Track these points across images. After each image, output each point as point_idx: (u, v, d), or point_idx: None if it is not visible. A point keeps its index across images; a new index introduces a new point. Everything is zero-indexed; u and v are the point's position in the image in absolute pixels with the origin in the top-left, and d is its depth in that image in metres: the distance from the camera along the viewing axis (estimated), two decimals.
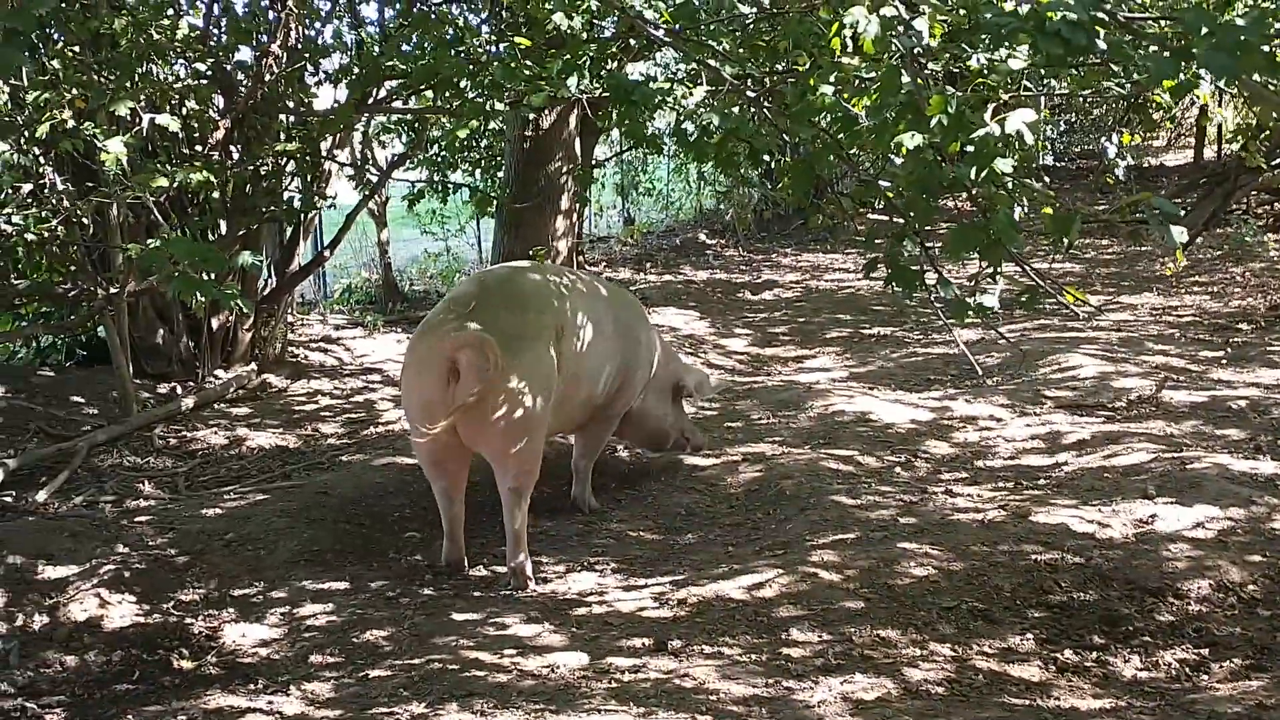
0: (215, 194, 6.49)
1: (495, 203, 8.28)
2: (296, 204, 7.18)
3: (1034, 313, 8.65)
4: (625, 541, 4.91)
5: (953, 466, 5.45)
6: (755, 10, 3.77)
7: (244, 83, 6.76)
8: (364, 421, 6.86)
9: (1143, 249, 12.18)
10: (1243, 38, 2.51)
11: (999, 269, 3.14)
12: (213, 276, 4.05)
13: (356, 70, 6.69)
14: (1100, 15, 2.61)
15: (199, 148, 6.73)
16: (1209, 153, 16.42)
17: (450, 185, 8.06)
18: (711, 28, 3.68)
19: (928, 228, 3.49)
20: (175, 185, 5.64)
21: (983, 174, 2.64)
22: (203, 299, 3.85)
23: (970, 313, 3.29)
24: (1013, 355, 7.49)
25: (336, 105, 6.66)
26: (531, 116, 8.88)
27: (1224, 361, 7.19)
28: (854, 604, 3.82)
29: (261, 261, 6.18)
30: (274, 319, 7.84)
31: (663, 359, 5.47)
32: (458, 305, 4.45)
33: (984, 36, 2.83)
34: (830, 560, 4.16)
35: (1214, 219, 12.58)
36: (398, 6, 7.96)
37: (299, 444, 6.46)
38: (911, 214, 3.21)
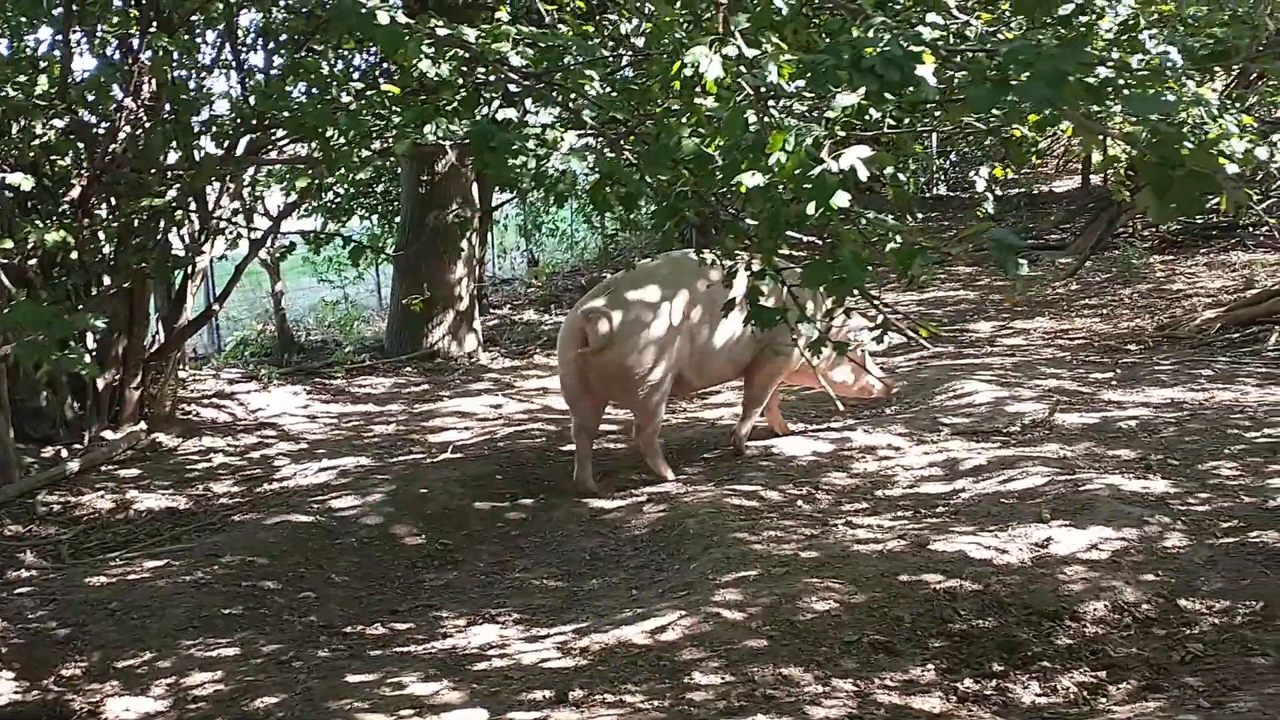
0: (74, 254, 6.24)
1: (372, 251, 8.15)
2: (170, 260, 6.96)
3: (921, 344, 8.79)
4: (528, 590, 4.83)
5: (853, 498, 5.46)
6: (626, 53, 3.77)
7: (101, 139, 6.53)
8: (259, 479, 6.67)
9: (1036, 274, 12.44)
10: (1061, 68, 2.54)
11: (844, 305, 3.22)
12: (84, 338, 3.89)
13: (234, 121, 6.52)
14: (918, 50, 2.64)
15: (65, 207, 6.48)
16: (1096, 179, 16.88)
17: (325, 236, 7.86)
18: (570, 74, 3.64)
19: (793, 265, 3.56)
20: (31, 246, 5.42)
21: (820, 210, 2.66)
22: (47, 366, 3.66)
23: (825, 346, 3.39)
24: (909, 384, 7.57)
25: (206, 156, 6.45)
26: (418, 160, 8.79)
27: (1114, 383, 7.34)
28: (756, 643, 3.79)
29: (105, 323, 5.98)
30: (163, 375, 7.60)
31: None
32: (608, 285, 5.96)
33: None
34: (733, 599, 4.13)
35: (1101, 243, 12.98)
36: (283, 53, 7.81)
37: (190, 504, 6.25)
38: (761, 253, 3.25)
